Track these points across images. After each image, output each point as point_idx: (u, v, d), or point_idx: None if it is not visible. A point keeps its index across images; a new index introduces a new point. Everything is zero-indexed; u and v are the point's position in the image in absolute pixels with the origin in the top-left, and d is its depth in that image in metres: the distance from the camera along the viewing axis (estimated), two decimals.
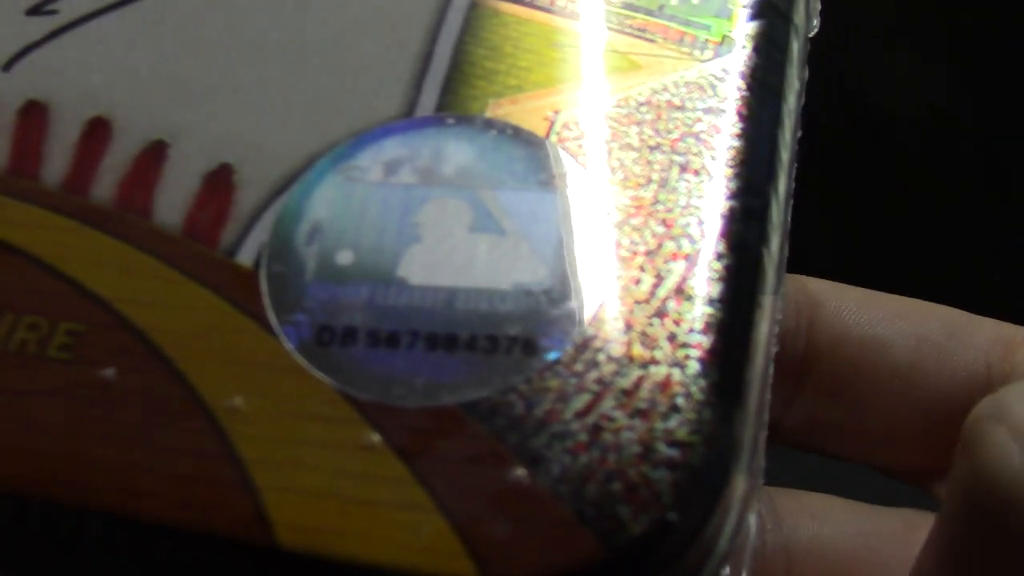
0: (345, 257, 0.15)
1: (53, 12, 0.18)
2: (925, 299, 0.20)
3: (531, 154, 0.16)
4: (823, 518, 0.19)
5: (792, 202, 0.20)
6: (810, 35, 0.21)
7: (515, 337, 0.14)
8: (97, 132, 0.17)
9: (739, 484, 0.14)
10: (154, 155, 0.16)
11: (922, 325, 0.19)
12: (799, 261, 0.18)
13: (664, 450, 0.13)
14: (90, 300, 0.15)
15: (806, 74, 0.21)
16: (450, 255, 0.15)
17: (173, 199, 0.16)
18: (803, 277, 0.21)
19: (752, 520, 0.17)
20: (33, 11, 0.18)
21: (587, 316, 0.14)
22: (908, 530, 0.19)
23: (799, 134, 0.20)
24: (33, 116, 0.17)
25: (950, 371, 0.19)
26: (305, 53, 0.17)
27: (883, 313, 0.19)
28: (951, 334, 0.19)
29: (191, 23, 0.17)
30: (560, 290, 0.14)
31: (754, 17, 0.17)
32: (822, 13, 0.21)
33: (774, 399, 0.15)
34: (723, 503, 0.13)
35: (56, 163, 0.16)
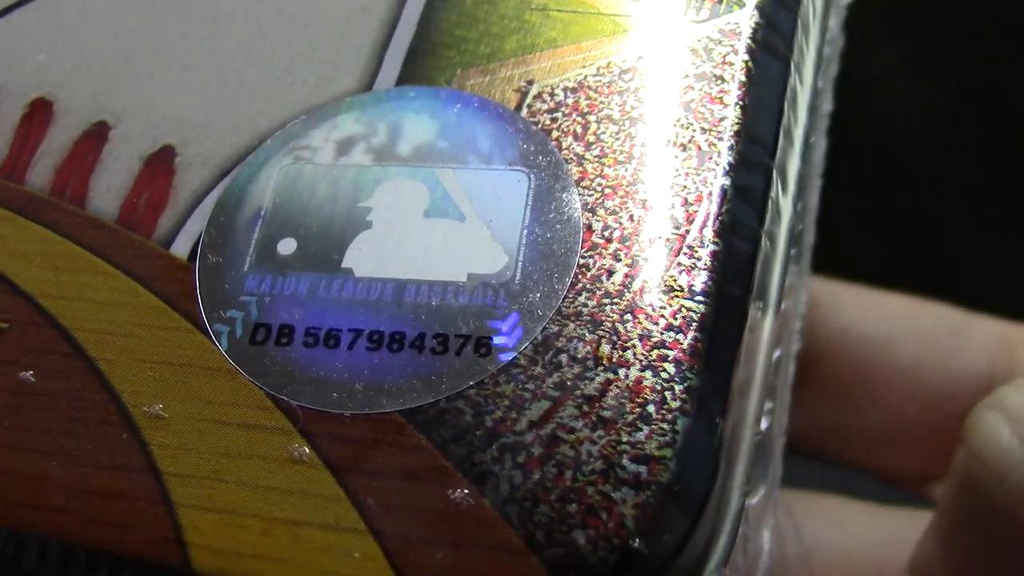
0: (287, 246, 0.13)
1: None
2: (924, 299, 0.19)
3: (499, 129, 0.14)
4: (845, 525, 0.19)
5: (821, 183, 0.19)
6: (847, 1, 0.19)
7: (467, 335, 0.12)
8: (39, 113, 0.15)
9: (728, 503, 0.12)
10: (95, 137, 0.15)
11: (924, 323, 0.19)
12: None
13: (630, 466, 0.11)
14: (17, 296, 0.14)
15: (840, 42, 0.19)
16: (401, 244, 0.13)
17: (111, 184, 0.14)
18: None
19: (766, 536, 0.15)
20: None
21: (550, 312, 0.12)
22: None
23: (829, 108, 0.18)
24: None
25: (953, 370, 0.18)
26: (261, 24, 0.15)
27: (884, 311, 0.19)
28: (953, 332, 0.19)
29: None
30: (521, 282, 0.13)
31: None
32: None
33: None
34: (703, 526, 0.12)
35: None
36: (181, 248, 0.14)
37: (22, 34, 0.16)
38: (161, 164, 0.14)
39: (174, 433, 0.12)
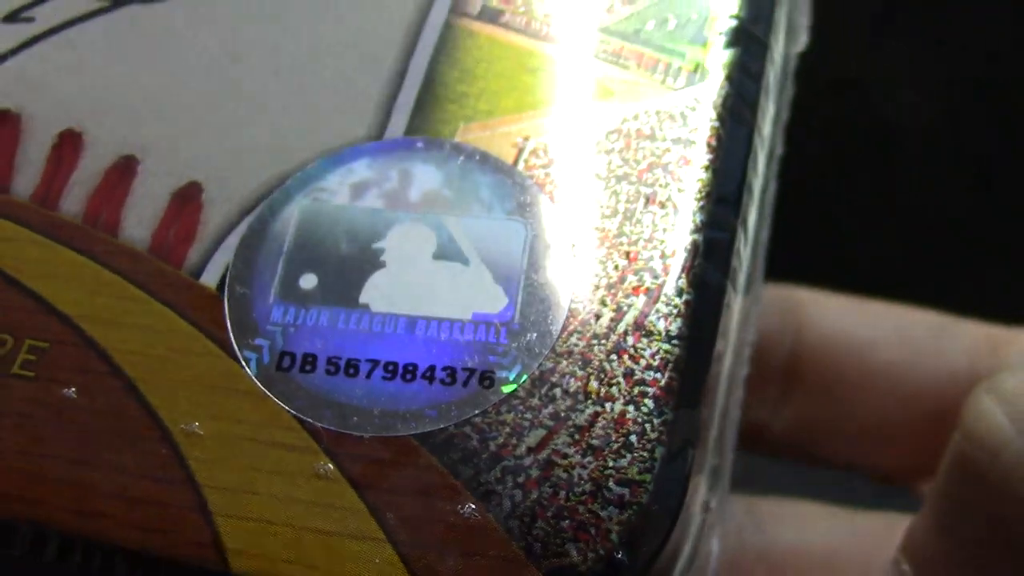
0: (308, 281, 0.15)
1: (29, 20, 0.18)
2: (920, 298, 0.20)
3: (498, 181, 0.16)
4: (803, 522, 0.20)
5: (770, 222, 0.21)
6: (798, 51, 0.21)
7: (473, 369, 0.14)
8: (68, 145, 0.17)
9: (693, 519, 0.14)
10: (124, 170, 0.16)
11: (907, 326, 0.20)
12: (793, 262, 0.18)
13: (615, 488, 0.13)
14: (55, 317, 0.15)
15: (791, 91, 0.21)
16: (413, 283, 0.15)
17: (141, 216, 0.16)
18: (790, 287, 0.21)
19: (714, 544, 0.17)
20: (9, 18, 0.18)
21: (545, 350, 0.14)
22: (888, 533, 0.20)
23: (779, 152, 0.20)
24: (5, 126, 0.17)
25: (934, 369, 0.19)
26: (278, 70, 0.17)
27: (868, 316, 0.20)
28: (936, 335, 0.20)
29: (165, 36, 0.17)
30: (520, 323, 0.14)
31: (729, 44, 0.16)
32: (815, 13, 0.21)
33: (762, 406, 0.16)
34: (674, 540, 0.13)
35: (27, 175, 0.16)
36: (210, 279, 0.15)
37: (49, 66, 0.17)
38: (188, 199, 0.16)
39: (209, 449, 0.14)
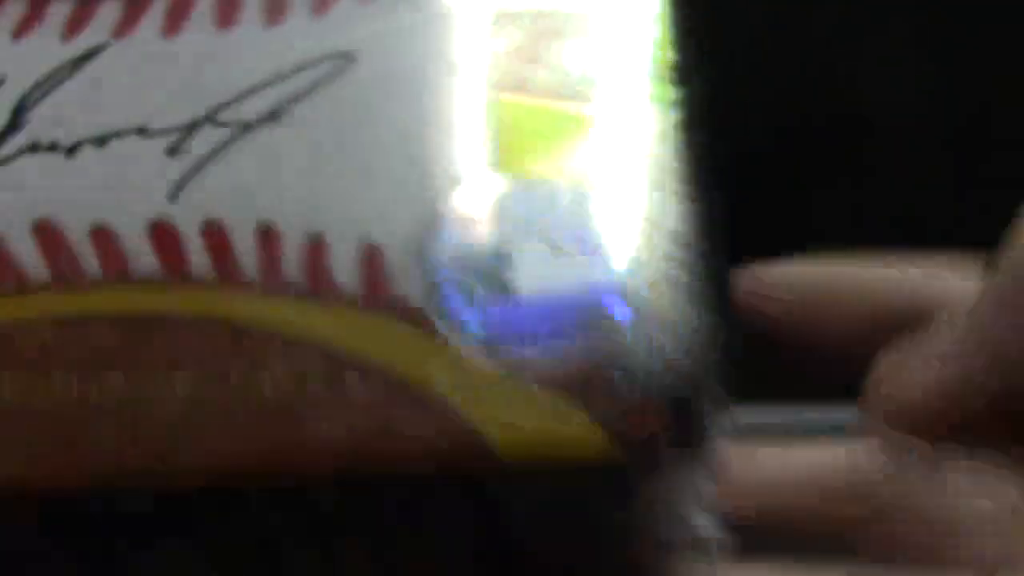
0: (492, 299, 0.23)
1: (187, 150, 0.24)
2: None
3: (574, 206, 0.24)
4: (775, 453, 0.26)
5: None
6: None
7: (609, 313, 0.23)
8: (269, 237, 0.23)
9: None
10: (318, 247, 0.23)
11: (863, 263, 0.27)
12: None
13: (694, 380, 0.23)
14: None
15: None
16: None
17: (348, 280, 0.23)
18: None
19: None
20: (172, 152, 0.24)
21: (639, 296, 0.24)
22: (849, 458, 0.25)
23: None
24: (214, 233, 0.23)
25: (896, 284, 0.26)
26: (384, 147, 0.24)
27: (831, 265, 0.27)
28: (894, 262, 0.26)
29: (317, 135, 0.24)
30: (619, 287, 0.24)
31: (674, 79, 0.26)
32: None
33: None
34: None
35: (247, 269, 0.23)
36: (422, 306, 0.23)
37: (237, 169, 0.24)
38: (372, 261, 0.23)
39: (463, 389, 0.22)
